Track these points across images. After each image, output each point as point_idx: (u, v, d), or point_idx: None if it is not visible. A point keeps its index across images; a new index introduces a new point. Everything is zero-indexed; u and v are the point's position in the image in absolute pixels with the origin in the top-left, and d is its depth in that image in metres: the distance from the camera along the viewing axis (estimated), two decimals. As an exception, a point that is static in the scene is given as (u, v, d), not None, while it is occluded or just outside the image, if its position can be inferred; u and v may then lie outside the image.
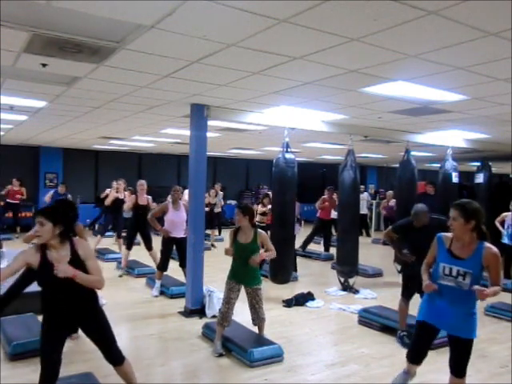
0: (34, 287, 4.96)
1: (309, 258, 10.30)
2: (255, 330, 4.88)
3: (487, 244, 3.01)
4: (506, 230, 8.15)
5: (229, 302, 4.57)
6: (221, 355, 4.51)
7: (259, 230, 4.70)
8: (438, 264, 3.13)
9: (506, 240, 8.12)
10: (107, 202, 9.55)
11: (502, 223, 8.26)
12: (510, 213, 8.09)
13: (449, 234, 3.13)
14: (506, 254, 8.32)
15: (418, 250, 4.41)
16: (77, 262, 2.95)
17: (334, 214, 11.31)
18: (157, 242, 7.35)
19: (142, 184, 8.04)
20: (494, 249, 3.01)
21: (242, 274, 4.61)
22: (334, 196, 10.65)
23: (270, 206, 8.82)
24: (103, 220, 10.48)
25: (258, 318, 4.67)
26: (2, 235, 9.01)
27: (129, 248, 8.04)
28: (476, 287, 2.90)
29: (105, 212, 9.99)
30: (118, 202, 9.32)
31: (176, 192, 6.97)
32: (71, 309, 3.06)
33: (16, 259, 2.94)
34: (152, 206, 8.03)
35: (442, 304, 3.12)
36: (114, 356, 3.20)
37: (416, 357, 3.39)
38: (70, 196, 10.55)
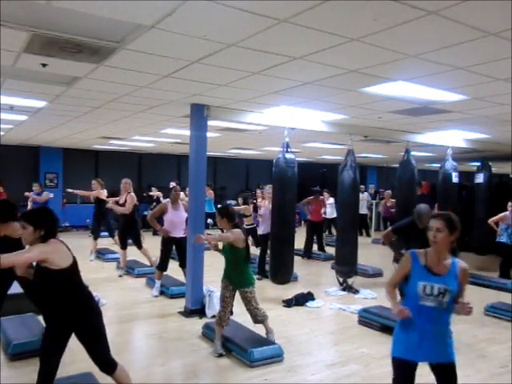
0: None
1: (309, 257, 10.31)
2: (255, 329, 4.88)
3: (459, 260, 2.85)
4: (506, 230, 8.16)
5: (224, 300, 4.57)
6: (221, 355, 4.51)
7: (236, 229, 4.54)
8: (415, 283, 2.76)
9: (503, 239, 8.12)
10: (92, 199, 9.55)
11: (497, 223, 8.28)
12: (507, 212, 8.09)
13: (421, 250, 2.85)
14: (503, 253, 8.34)
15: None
16: (41, 266, 2.94)
17: (328, 213, 11.43)
18: (157, 241, 7.35)
19: (126, 182, 8.16)
20: (465, 264, 2.84)
21: (231, 276, 4.61)
22: (322, 197, 10.73)
23: (249, 207, 8.75)
24: (91, 223, 10.33)
25: (254, 319, 4.66)
26: None
27: (123, 248, 8.11)
28: (461, 303, 2.73)
29: (94, 215, 9.83)
30: (102, 202, 9.22)
31: (176, 192, 6.97)
32: (60, 312, 3.02)
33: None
34: (132, 202, 8.01)
35: (420, 331, 2.76)
36: (107, 366, 3.15)
37: None
38: (45, 193, 10.26)
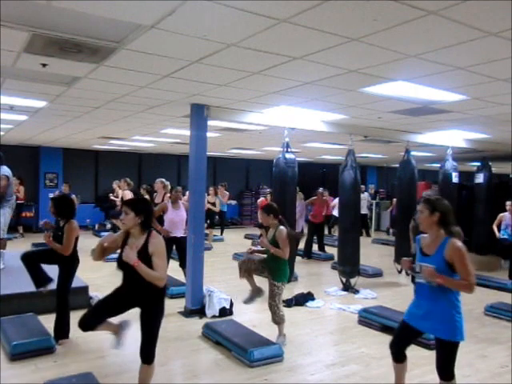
0: (34, 288, 4.99)
1: (309, 258, 10.30)
2: (255, 329, 4.89)
3: (453, 239, 2.97)
4: (505, 230, 8.17)
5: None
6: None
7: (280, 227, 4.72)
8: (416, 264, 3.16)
9: (505, 235, 8.13)
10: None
11: (499, 225, 8.29)
12: (507, 213, 8.10)
13: (425, 235, 3.15)
14: (503, 251, 8.35)
15: None
16: (144, 254, 3.18)
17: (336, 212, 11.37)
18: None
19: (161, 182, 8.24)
20: (458, 243, 2.94)
21: (268, 265, 4.73)
22: (325, 197, 10.70)
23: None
24: (110, 223, 10.41)
25: (272, 318, 4.73)
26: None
27: None
28: (424, 265, 2.94)
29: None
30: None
31: (177, 192, 7.00)
32: (133, 290, 3.32)
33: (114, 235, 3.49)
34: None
35: (420, 304, 3.13)
36: (148, 354, 3.35)
37: (394, 355, 3.32)
38: (73, 196, 10.55)
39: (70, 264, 4.70)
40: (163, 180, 8.27)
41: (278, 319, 4.72)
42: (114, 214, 9.89)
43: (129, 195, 9.75)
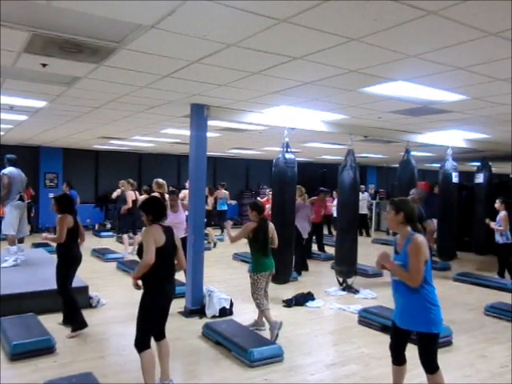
0: (34, 288, 4.97)
1: (309, 258, 10.30)
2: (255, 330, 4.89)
3: (416, 235, 3.12)
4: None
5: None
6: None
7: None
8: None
9: (498, 238, 8.10)
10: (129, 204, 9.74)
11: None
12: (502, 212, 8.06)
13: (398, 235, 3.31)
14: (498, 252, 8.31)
15: None
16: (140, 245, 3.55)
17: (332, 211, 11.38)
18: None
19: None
20: (418, 239, 3.08)
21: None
22: (325, 198, 10.68)
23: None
24: (123, 221, 10.30)
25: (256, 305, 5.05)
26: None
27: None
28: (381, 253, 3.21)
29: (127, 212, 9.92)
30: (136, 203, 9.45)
31: (173, 199, 7.08)
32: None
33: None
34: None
35: (397, 301, 3.25)
36: (136, 340, 3.45)
37: (393, 357, 3.38)
38: (75, 193, 10.64)
39: (66, 256, 5.00)
40: (158, 180, 8.30)
41: (256, 306, 5.01)
42: (126, 223, 9.89)
43: (132, 196, 9.77)
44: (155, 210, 3.63)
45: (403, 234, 3.21)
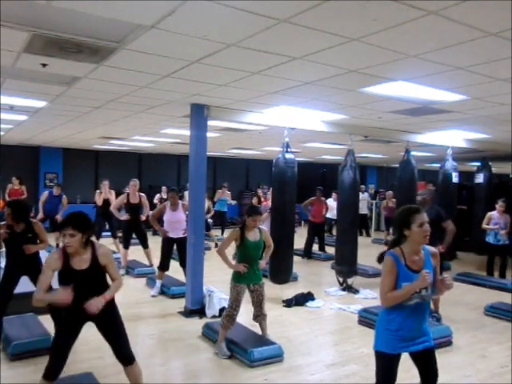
0: (34, 288, 4.97)
1: (309, 258, 10.30)
2: (255, 329, 4.88)
3: (425, 246, 2.87)
4: (491, 230, 8.10)
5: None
6: (229, 357, 4.47)
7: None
8: (400, 286, 2.74)
9: (490, 239, 8.08)
10: (99, 202, 9.63)
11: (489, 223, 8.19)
12: (494, 212, 8.05)
13: (397, 249, 2.84)
14: (488, 252, 8.31)
15: None
16: (96, 266, 3.09)
17: (331, 214, 11.29)
18: (157, 241, 7.35)
19: (135, 182, 8.24)
20: (432, 248, 2.94)
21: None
22: (323, 198, 10.65)
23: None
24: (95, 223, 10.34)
25: (262, 313, 4.72)
26: None
27: (126, 247, 8.14)
28: (439, 279, 2.83)
29: (97, 215, 9.87)
30: (108, 203, 9.28)
31: (173, 197, 7.03)
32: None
33: (44, 273, 3.07)
34: (146, 203, 8.17)
35: (412, 325, 2.81)
36: (128, 354, 3.23)
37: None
38: (64, 197, 10.55)
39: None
40: (134, 179, 8.41)
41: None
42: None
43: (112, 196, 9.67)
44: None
45: (419, 249, 2.84)
